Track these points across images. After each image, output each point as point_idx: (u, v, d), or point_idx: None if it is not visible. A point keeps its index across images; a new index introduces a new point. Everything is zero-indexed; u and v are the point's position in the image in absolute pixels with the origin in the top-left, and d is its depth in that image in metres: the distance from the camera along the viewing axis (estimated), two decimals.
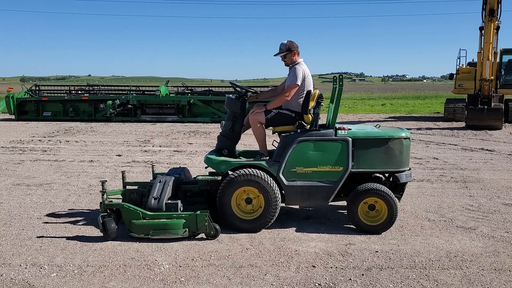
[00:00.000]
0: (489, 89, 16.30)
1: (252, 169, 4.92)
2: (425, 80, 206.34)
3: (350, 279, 3.87)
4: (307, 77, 5.29)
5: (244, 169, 4.93)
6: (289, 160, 4.94)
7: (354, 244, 4.65)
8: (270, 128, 5.46)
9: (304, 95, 5.24)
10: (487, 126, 15.17)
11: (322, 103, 5.29)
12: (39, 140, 12.43)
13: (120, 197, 5.48)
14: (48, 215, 5.59)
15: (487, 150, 10.83)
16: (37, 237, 4.81)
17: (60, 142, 12.14)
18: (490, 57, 16.21)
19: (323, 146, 4.94)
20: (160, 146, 11.36)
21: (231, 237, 4.81)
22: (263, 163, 5.00)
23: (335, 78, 5.13)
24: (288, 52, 5.34)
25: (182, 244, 4.62)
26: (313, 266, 4.11)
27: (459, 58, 18.66)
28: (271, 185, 4.87)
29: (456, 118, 17.77)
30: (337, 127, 5.05)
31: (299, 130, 5.07)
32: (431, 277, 3.90)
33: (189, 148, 11.11)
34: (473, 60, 19.12)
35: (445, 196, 6.53)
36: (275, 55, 5.42)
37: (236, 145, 5.46)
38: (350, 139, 4.92)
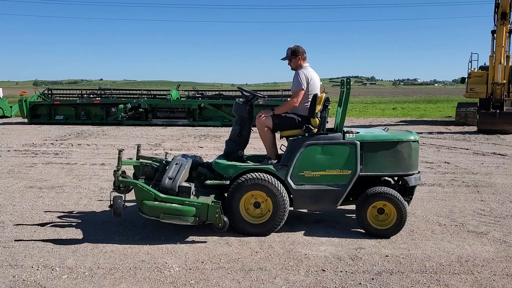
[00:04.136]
0: (501, 93, 16.15)
1: (260, 173, 4.92)
2: (436, 84, 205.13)
3: (360, 283, 3.86)
4: (311, 80, 5.29)
5: (251, 173, 4.93)
6: (297, 164, 4.94)
7: (364, 248, 4.63)
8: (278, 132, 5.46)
9: (309, 99, 5.26)
10: (499, 130, 15.03)
11: (329, 107, 5.28)
12: (51, 143, 12.55)
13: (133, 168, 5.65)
14: (60, 217, 5.64)
15: (499, 154, 10.73)
16: (49, 239, 4.85)
17: (72, 145, 12.25)
18: (502, 60, 16.08)
19: (331, 149, 4.93)
20: (171, 150, 11.41)
21: (241, 240, 4.81)
22: (271, 167, 4.99)
23: (342, 81, 5.13)
24: (293, 57, 5.38)
25: (192, 247, 4.64)
26: (323, 270, 4.11)
27: (471, 62, 18.54)
28: (279, 189, 4.87)
29: (468, 122, 17.64)
30: (345, 131, 5.04)
31: (306, 134, 5.06)
32: (441, 282, 3.87)
33: (200, 151, 11.14)
34: (485, 63, 18.97)
35: (456, 201, 6.48)
36: (282, 59, 5.48)
37: (245, 150, 5.47)
38: (358, 142, 4.91)
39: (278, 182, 4.91)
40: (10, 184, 7.46)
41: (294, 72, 5.41)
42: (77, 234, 5.03)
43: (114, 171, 4.92)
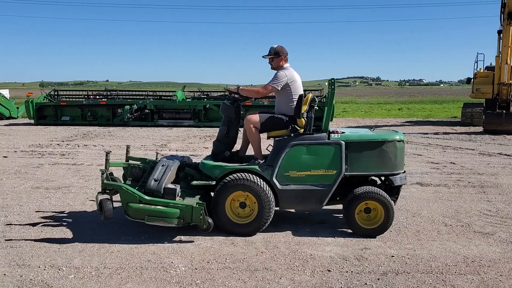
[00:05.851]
0: (508, 93, 16.08)
1: (245, 174, 4.93)
2: (442, 85, 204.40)
3: (366, 283, 3.86)
4: (292, 81, 5.27)
5: (237, 174, 4.94)
6: (283, 164, 4.95)
7: (370, 249, 4.63)
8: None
9: (293, 99, 5.27)
10: (505, 131, 14.96)
11: (315, 107, 5.28)
12: (58, 144, 12.61)
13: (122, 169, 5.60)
14: (66, 217, 5.67)
15: (505, 155, 10.68)
16: (55, 239, 4.89)
17: (78, 146, 12.31)
18: (508, 60, 16.00)
19: (316, 149, 4.94)
20: (176, 150, 11.45)
21: (246, 241, 4.82)
22: (257, 167, 5.00)
23: (329, 82, 5.12)
24: (275, 56, 5.36)
25: (198, 247, 4.66)
26: (328, 270, 4.11)
27: (477, 62, 18.46)
28: (264, 189, 4.88)
29: (474, 122, 17.58)
30: (330, 131, 5.05)
31: (292, 134, 5.07)
32: (447, 282, 3.87)
33: (205, 152, 11.16)
34: (491, 64, 18.88)
35: (462, 201, 6.47)
36: (263, 56, 5.45)
37: (232, 150, 5.49)
38: (343, 142, 4.92)
39: (264, 183, 4.92)
40: (17, 184, 7.51)
41: (273, 71, 5.38)
42: (84, 234, 5.05)
43: (101, 173, 4.95)
